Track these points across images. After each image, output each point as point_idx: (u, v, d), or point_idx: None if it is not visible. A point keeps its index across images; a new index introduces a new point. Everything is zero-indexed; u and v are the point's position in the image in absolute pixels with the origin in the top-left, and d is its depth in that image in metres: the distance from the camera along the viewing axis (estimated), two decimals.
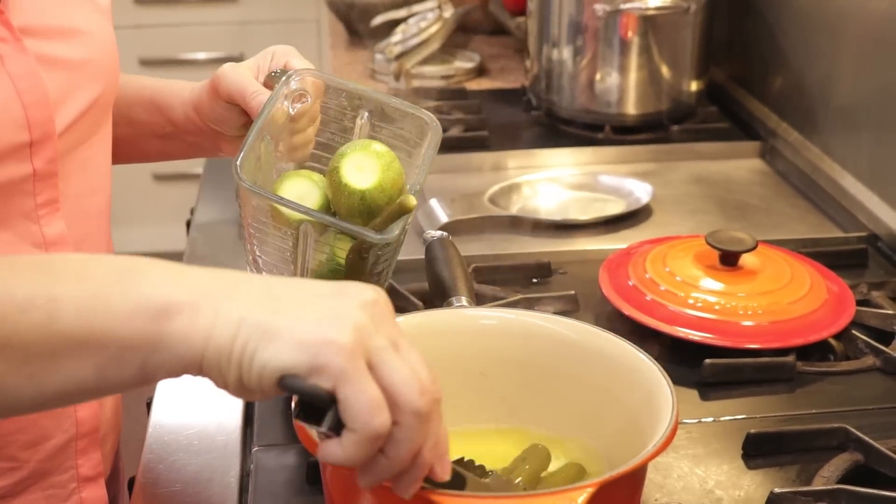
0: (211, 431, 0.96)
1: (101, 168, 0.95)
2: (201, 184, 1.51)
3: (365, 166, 0.88)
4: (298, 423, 0.63)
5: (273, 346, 0.59)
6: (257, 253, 0.92)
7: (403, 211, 0.86)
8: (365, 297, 0.62)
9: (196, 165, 1.40)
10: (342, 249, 0.87)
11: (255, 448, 0.93)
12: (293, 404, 0.62)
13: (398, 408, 0.59)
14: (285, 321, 0.59)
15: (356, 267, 0.87)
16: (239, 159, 0.86)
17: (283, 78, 0.93)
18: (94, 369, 0.61)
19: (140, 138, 1.07)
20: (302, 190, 0.90)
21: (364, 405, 0.58)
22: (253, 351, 0.59)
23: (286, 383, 0.59)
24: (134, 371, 0.61)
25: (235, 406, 0.99)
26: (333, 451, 0.60)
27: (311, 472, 0.87)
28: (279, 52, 0.98)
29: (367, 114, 0.95)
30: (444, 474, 0.64)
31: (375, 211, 0.87)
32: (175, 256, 1.34)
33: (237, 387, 0.60)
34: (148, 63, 3.13)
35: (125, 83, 1.06)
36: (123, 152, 1.07)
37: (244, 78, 0.96)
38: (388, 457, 0.61)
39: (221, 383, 0.61)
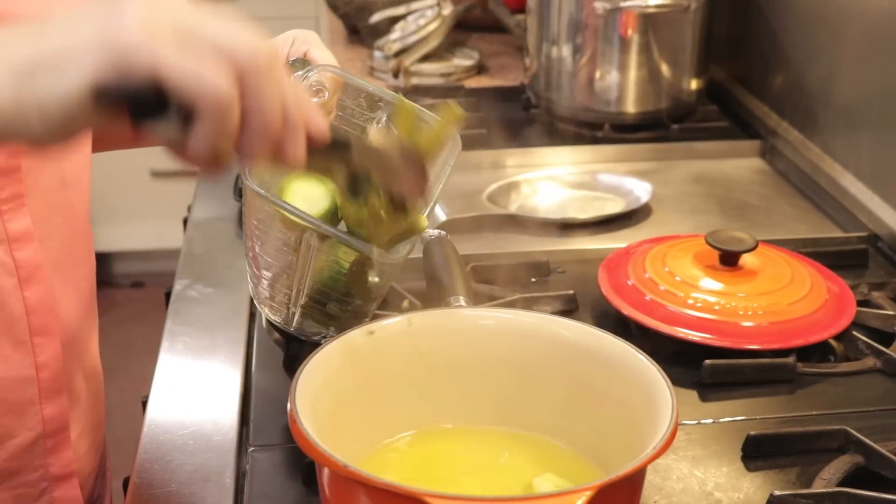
0: (206, 431, 0.95)
1: (73, 161, 0.92)
2: (199, 181, 1.50)
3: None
4: (155, 137, 0.57)
5: (66, 66, 0.53)
6: (257, 250, 0.91)
7: (413, 232, 0.84)
8: None
9: None
10: (345, 261, 0.86)
11: (251, 448, 0.93)
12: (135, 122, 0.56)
13: (234, 66, 0.54)
14: (60, 38, 0.54)
15: (359, 278, 0.86)
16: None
17: (303, 71, 0.91)
18: None
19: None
20: (311, 192, 0.87)
21: (194, 68, 0.53)
22: (47, 84, 0.53)
23: (103, 93, 0.53)
24: None
25: (231, 406, 0.99)
26: (200, 139, 0.55)
27: (307, 473, 0.87)
28: (300, 39, 0.94)
29: (385, 117, 0.94)
30: (322, 132, 0.60)
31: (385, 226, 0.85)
32: (172, 253, 1.34)
33: (48, 128, 0.54)
34: None
35: None
36: (124, 138, 1.05)
37: None
38: (252, 126, 0.56)
39: (28, 137, 0.55)
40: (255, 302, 0.97)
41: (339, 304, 0.88)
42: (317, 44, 0.94)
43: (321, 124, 0.60)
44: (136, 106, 0.54)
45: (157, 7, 0.54)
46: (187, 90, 0.53)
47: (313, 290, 0.87)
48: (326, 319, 0.89)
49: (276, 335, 1.00)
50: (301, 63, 0.93)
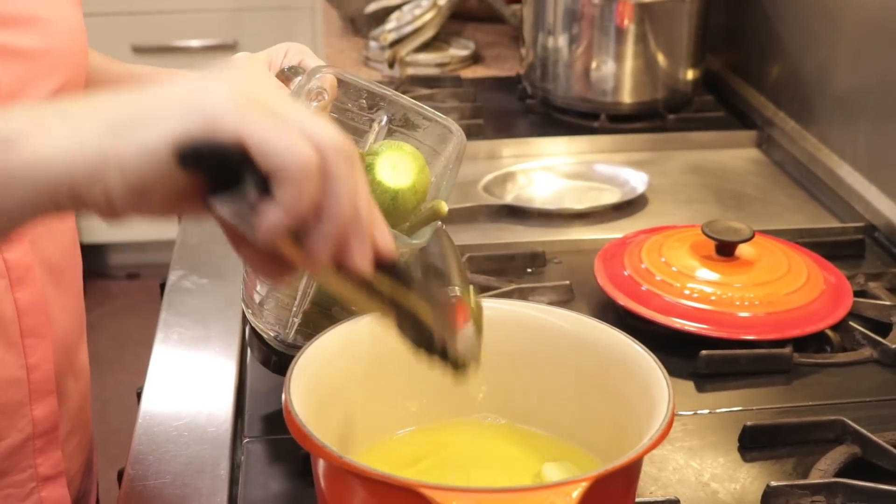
0: (201, 422, 0.95)
1: None
2: None
3: (400, 166, 0.85)
4: (218, 213, 0.55)
5: (153, 123, 0.52)
6: None
7: (434, 217, 0.84)
8: (237, 64, 0.56)
9: None
10: None
11: (246, 439, 0.93)
12: (205, 189, 0.54)
13: (318, 147, 0.53)
14: (154, 101, 0.53)
15: None
16: None
17: (306, 75, 0.90)
18: None
19: None
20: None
21: (282, 137, 0.51)
22: (132, 138, 0.52)
23: (186, 151, 0.51)
24: None
25: (226, 397, 0.98)
26: (274, 214, 0.52)
27: (302, 465, 0.87)
28: (293, 50, 0.95)
29: (385, 118, 0.93)
30: (390, 249, 0.59)
31: (403, 214, 0.85)
32: (167, 244, 1.33)
33: (125, 193, 0.52)
34: (141, 50, 3.11)
35: (124, 72, 1.04)
36: None
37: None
38: (328, 214, 0.54)
39: (103, 197, 0.53)
40: (246, 314, 0.93)
41: (346, 306, 0.87)
42: (310, 55, 0.96)
43: (390, 242, 0.59)
44: (215, 171, 0.53)
45: (250, 84, 0.53)
46: (273, 154, 0.51)
47: (318, 293, 0.86)
48: (330, 324, 0.87)
49: (260, 353, 0.94)
50: (296, 70, 0.93)
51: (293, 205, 0.52)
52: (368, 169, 0.85)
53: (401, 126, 0.93)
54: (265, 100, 0.53)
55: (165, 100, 0.53)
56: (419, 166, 0.86)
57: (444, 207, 0.84)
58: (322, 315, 0.88)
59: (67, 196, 0.53)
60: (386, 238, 0.58)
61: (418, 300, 0.64)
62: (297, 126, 0.52)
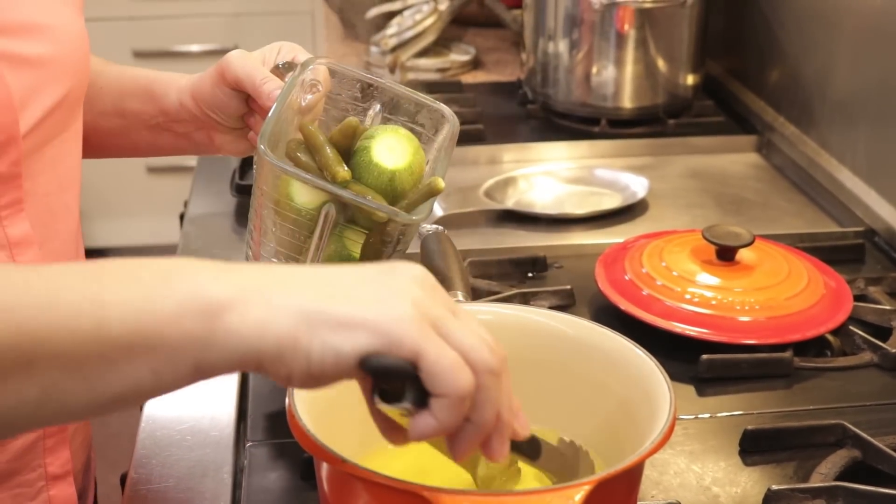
0: (204, 426, 0.95)
1: (69, 165, 0.92)
2: (195, 176, 1.50)
3: (396, 148, 0.88)
4: (378, 408, 0.64)
5: (344, 330, 0.59)
6: (265, 239, 0.90)
7: (432, 193, 0.87)
8: (413, 272, 0.63)
9: (190, 158, 1.39)
10: (354, 243, 0.87)
11: (249, 443, 0.93)
12: (372, 395, 0.63)
13: (474, 369, 0.61)
14: (347, 306, 0.60)
15: (374, 251, 0.87)
16: (266, 136, 0.85)
17: (299, 66, 0.93)
18: (149, 372, 0.60)
19: (130, 130, 1.06)
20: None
21: (448, 366, 0.59)
22: (323, 338, 0.59)
23: (371, 363, 0.59)
24: (188, 370, 0.60)
25: (229, 401, 0.99)
26: (426, 422, 0.61)
27: (306, 468, 0.87)
28: (286, 48, 0.98)
29: (378, 106, 0.95)
30: (524, 430, 0.67)
31: (400, 194, 0.88)
32: (169, 249, 1.33)
33: (304, 377, 0.60)
34: (142, 55, 3.12)
35: (119, 74, 1.04)
36: (114, 144, 1.06)
37: (254, 64, 0.96)
38: (474, 421, 0.62)
39: (284, 374, 0.60)
40: None
41: None
42: (302, 51, 0.98)
43: (524, 423, 0.67)
44: (384, 379, 0.61)
45: (426, 296, 0.62)
46: (440, 379, 0.59)
47: None
48: None
49: None
50: (290, 66, 0.95)
51: (447, 420, 0.61)
52: (365, 151, 0.88)
53: (394, 113, 0.95)
54: (436, 316, 0.61)
55: (358, 309, 0.60)
56: (414, 148, 0.89)
57: (441, 184, 0.87)
58: None
59: (254, 366, 0.60)
60: (523, 424, 0.67)
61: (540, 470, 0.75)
62: (461, 347, 0.61)
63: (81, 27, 0.92)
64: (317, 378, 0.60)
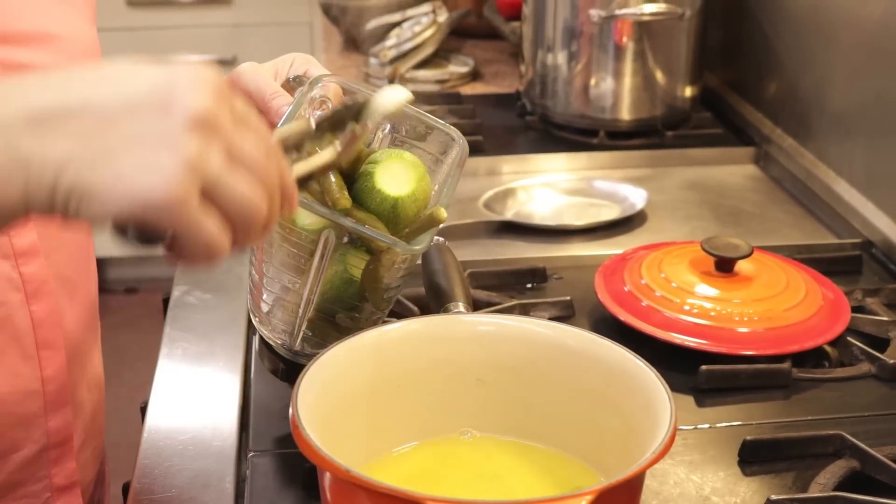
0: (206, 436, 0.95)
1: None
2: None
3: (400, 175, 0.86)
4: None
5: (98, 201, 0.58)
6: (265, 260, 0.90)
7: (433, 223, 0.85)
8: (195, 100, 0.58)
9: None
10: (356, 267, 0.86)
11: (251, 453, 0.93)
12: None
13: (235, 230, 0.60)
14: (105, 174, 0.57)
15: (374, 277, 0.86)
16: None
17: (309, 82, 0.91)
18: None
19: None
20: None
21: (201, 246, 0.59)
22: (77, 205, 0.58)
23: (120, 232, 0.61)
24: None
25: (231, 411, 0.99)
26: (174, 263, 0.62)
27: (307, 479, 0.87)
28: (299, 59, 0.96)
29: (388, 126, 0.94)
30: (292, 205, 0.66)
31: (402, 221, 0.86)
32: None
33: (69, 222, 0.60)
34: None
35: None
36: None
37: (265, 79, 0.93)
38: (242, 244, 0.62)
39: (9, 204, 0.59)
40: (253, 321, 0.95)
41: (349, 312, 0.88)
42: (315, 64, 0.96)
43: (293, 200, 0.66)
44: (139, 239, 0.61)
45: (205, 139, 0.58)
46: (191, 253, 0.60)
47: (322, 300, 0.87)
48: (335, 332, 0.88)
49: (270, 362, 0.95)
50: (301, 80, 0.94)
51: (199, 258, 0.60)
52: (369, 177, 0.86)
53: (404, 134, 0.94)
54: (208, 173, 0.58)
55: (114, 179, 0.57)
56: (419, 175, 0.88)
57: (443, 214, 0.86)
58: (327, 323, 0.89)
59: (23, 217, 0.58)
60: (290, 200, 0.65)
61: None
62: (227, 210, 0.59)
63: (93, 37, 0.92)
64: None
